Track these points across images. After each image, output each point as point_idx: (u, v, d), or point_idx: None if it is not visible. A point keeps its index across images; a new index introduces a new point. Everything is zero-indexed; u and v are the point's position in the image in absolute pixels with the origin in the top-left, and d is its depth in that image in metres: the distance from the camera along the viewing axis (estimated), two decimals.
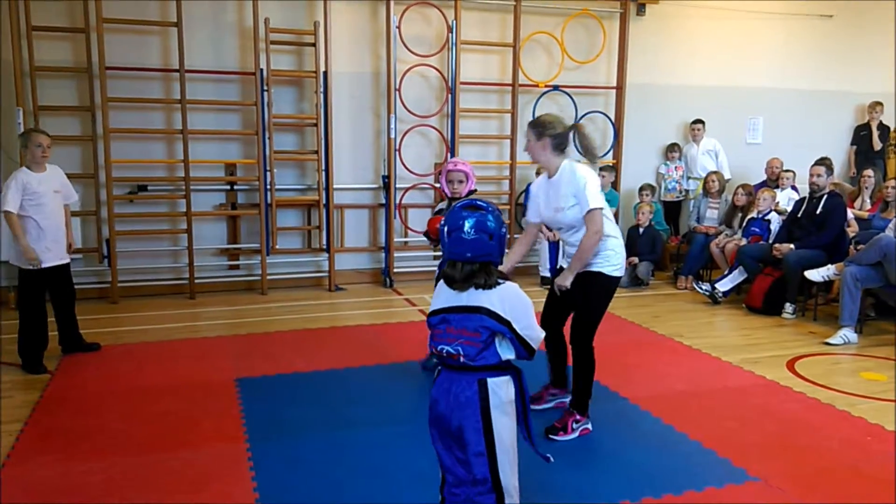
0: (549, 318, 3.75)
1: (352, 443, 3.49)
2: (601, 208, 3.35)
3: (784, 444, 3.55)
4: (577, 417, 3.59)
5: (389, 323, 5.81)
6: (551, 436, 3.52)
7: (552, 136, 3.40)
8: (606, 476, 3.20)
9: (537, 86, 7.57)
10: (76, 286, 4.96)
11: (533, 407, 3.66)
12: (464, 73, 7.22)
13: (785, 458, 3.38)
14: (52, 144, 4.60)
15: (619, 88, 7.84)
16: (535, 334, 2.31)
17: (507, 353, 2.31)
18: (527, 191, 7.49)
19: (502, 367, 2.32)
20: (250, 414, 3.84)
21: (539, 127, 3.42)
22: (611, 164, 7.87)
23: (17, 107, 5.93)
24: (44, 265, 4.50)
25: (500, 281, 2.31)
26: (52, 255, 4.58)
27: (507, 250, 2.58)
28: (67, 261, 4.75)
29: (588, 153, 3.60)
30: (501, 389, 2.31)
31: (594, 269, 3.47)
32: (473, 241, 2.26)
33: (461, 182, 4.15)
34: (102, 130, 6.23)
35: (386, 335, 5.44)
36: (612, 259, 3.50)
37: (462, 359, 2.28)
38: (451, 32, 7.08)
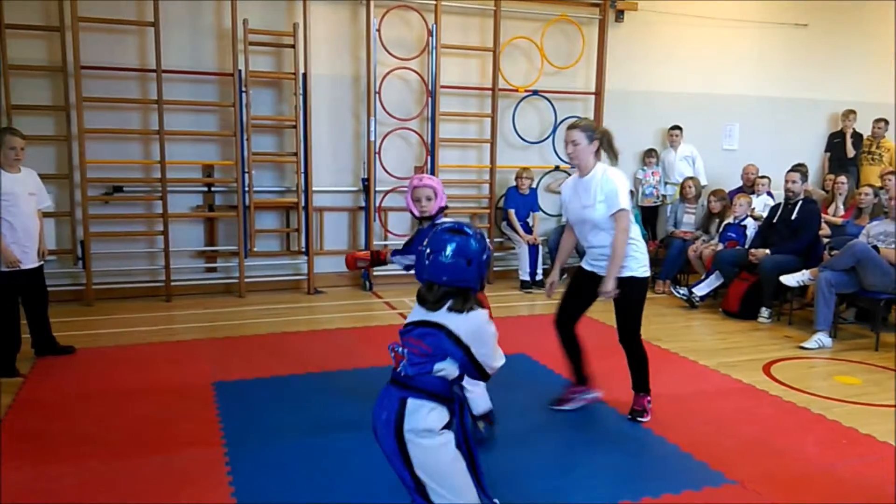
0: (564, 320, 3.95)
1: (330, 447, 3.46)
2: (629, 210, 3.61)
3: (760, 447, 3.59)
4: (648, 398, 3.89)
5: (369, 326, 5.79)
6: (638, 419, 3.82)
7: (600, 140, 3.67)
8: (584, 479, 3.21)
9: (517, 90, 7.61)
10: (50, 288, 4.87)
11: (562, 408, 3.98)
12: (444, 77, 7.23)
13: (761, 461, 3.42)
14: (25, 146, 4.52)
15: (598, 94, 7.90)
16: (494, 363, 2.28)
17: (450, 371, 2.24)
18: (507, 195, 7.53)
19: (433, 395, 2.23)
20: (227, 418, 3.79)
21: (590, 131, 3.66)
22: None
23: None
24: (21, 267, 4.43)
25: (473, 307, 2.25)
26: (26, 257, 4.50)
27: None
28: (40, 264, 4.67)
29: (614, 154, 3.82)
30: (420, 414, 2.20)
31: (625, 274, 3.67)
32: (451, 265, 2.22)
33: (429, 199, 3.70)
34: (77, 130, 6.14)
35: (365, 339, 5.42)
36: (641, 260, 3.74)
37: (403, 362, 2.24)
38: (431, 36, 7.09)
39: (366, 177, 7.11)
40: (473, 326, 2.23)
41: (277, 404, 4.03)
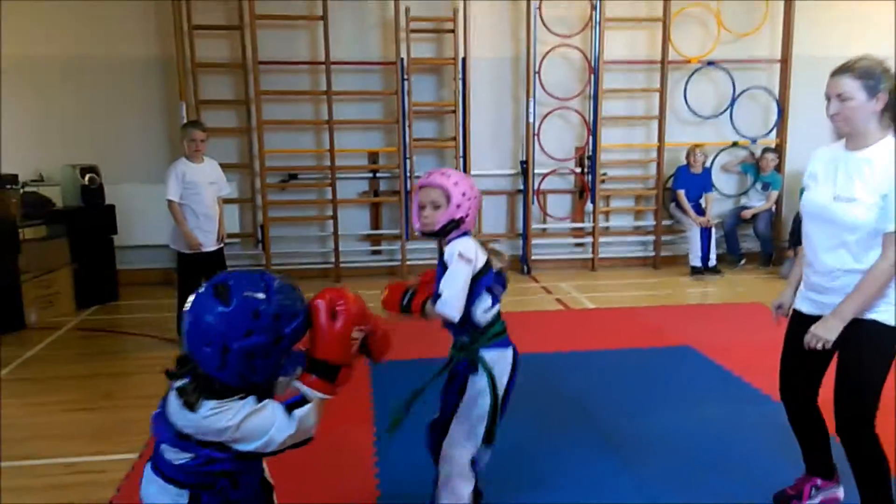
0: (791, 390, 2.63)
1: None
2: None
3: None
4: None
5: (525, 311, 5.69)
6: None
7: (890, 91, 2.26)
8: (743, 482, 2.91)
9: (689, 62, 7.09)
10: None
11: None
12: (608, 52, 6.91)
13: None
14: (206, 138, 4.89)
15: (785, 62, 7.17)
16: (273, 447, 1.70)
17: (177, 458, 1.65)
18: (677, 174, 7.05)
19: (165, 476, 1.68)
20: (380, 398, 3.88)
21: (872, 78, 2.26)
22: (774, 146, 7.24)
23: (181, 101, 6.41)
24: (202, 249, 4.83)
25: (214, 413, 1.57)
26: (207, 240, 4.89)
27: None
28: (220, 246, 5.05)
29: None
30: (149, 490, 1.71)
31: (865, 315, 2.32)
32: (191, 336, 1.56)
33: (437, 207, 2.37)
34: (256, 122, 6.60)
35: (522, 324, 5.29)
36: (892, 298, 2.32)
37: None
38: (595, 10, 6.79)
39: (524, 159, 7.00)
40: (204, 429, 1.59)
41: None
